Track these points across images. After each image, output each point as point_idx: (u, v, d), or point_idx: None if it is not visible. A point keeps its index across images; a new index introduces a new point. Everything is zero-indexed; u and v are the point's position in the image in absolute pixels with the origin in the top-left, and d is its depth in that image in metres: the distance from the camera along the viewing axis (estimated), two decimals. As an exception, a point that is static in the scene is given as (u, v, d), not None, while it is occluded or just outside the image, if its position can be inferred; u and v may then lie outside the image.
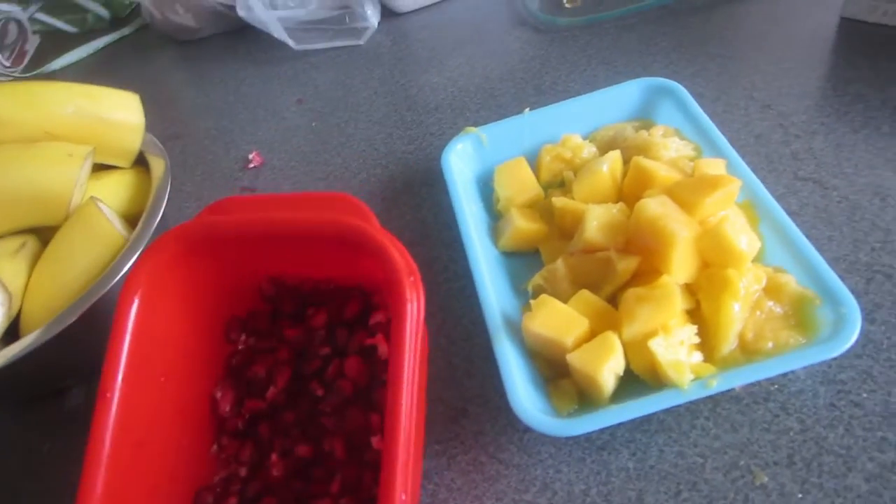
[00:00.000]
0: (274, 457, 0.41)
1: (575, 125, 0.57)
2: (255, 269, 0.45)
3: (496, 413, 0.43)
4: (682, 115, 0.54)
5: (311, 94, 0.79)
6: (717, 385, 0.37)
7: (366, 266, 0.39)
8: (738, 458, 0.39)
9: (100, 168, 0.56)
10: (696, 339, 0.40)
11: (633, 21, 0.74)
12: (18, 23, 1.02)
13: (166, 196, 0.53)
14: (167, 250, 0.39)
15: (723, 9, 0.72)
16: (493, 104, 0.68)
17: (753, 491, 0.37)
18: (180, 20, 0.95)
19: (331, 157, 0.68)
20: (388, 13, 0.88)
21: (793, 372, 0.41)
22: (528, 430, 0.42)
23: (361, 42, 0.85)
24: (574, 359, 0.39)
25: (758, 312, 0.40)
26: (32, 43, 1.04)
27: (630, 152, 0.51)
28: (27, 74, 0.98)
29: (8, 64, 0.99)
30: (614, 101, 0.58)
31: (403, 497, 0.31)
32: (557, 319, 0.41)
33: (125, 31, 1.04)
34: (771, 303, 0.40)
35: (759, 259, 0.43)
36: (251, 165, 0.70)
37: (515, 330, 0.44)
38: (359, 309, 0.44)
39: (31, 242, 0.52)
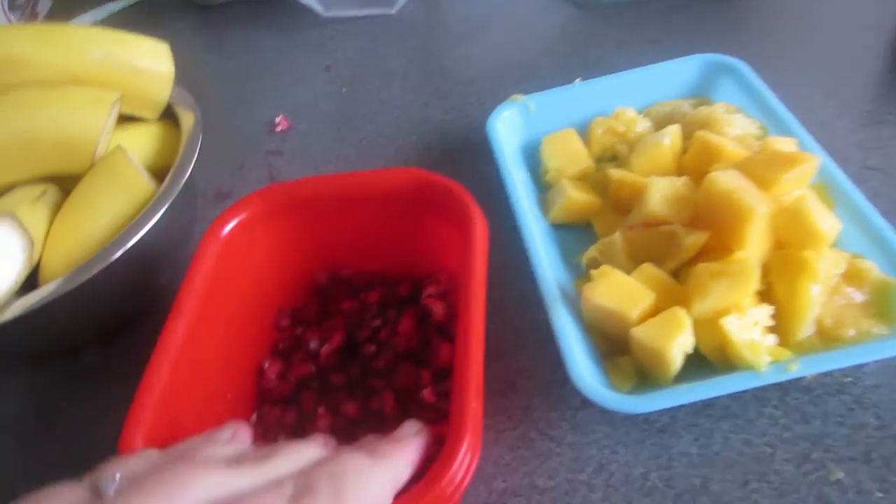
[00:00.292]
0: (321, 409, 0.39)
1: (627, 99, 0.54)
2: (322, 247, 0.45)
3: (547, 388, 0.41)
4: (745, 93, 0.51)
5: (341, 61, 0.76)
6: (798, 370, 0.35)
7: (425, 245, 0.42)
8: (810, 450, 0.36)
9: (125, 120, 0.53)
10: (771, 322, 0.37)
11: (681, 1, 0.71)
12: (31, -20, 0.98)
13: (197, 150, 0.50)
14: (252, 207, 0.42)
15: (778, -8, 0.69)
16: (534, 77, 0.65)
17: (828, 486, 0.35)
18: (202, -18, 0.91)
19: (362, 124, 0.65)
20: (421, -17, 0.85)
21: (867, 364, 0.39)
22: (581, 407, 0.40)
23: (393, 11, 0.82)
24: (640, 333, 0.37)
25: (837, 298, 0.38)
26: (45, 4, 1.01)
27: (690, 128, 0.48)
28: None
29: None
30: (670, 77, 0.55)
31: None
32: (621, 291, 0.39)
33: (142, -7, 1.00)
34: (851, 289, 0.38)
35: (835, 244, 0.40)
36: (278, 129, 0.67)
37: (569, 304, 0.41)
38: (411, 289, 0.43)
39: (52, 191, 0.48)
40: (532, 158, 0.54)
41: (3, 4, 0.88)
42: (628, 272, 0.41)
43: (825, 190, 0.43)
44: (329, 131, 0.66)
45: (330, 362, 0.41)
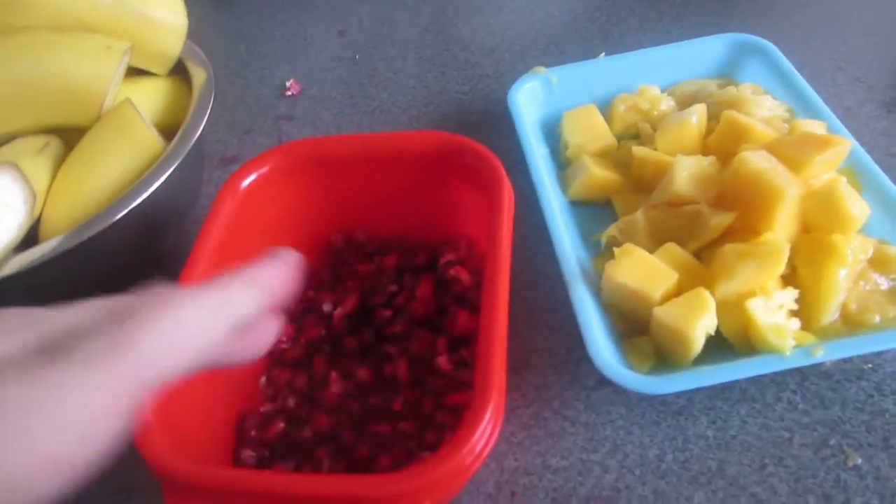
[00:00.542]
0: (333, 374, 0.38)
1: (651, 77, 0.53)
2: (340, 208, 0.44)
3: (562, 367, 0.40)
4: (773, 74, 0.50)
5: (354, 27, 0.74)
6: (823, 354, 0.34)
7: (446, 211, 0.41)
8: (828, 436, 0.36)
9: (133, 73, 0.51)
10: (795, 306, 0.36)
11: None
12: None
13: (209, 107, 0.49)
14: (273, 162, 0.41)
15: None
16: (555, 51, 0.64)
17: (846, 472, 0.34)
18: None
19: (376, 92, 0.64)
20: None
21: (887, 351, 0.38)
22: (596, 387, 0.39)
23: (410, -22, 0.79)
24: (662, 313, 0.36)
25: (862, 284, 0.37)
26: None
27: (716, 108, 0.47)
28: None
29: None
30: (696, 56, 0.54)
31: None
32: (644, 270, 0.38)
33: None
34: (877, 275, 0.37)
35: (861, 229, 0.40)
36: (288, 93, 0.66)
37: (587, 282, 0.40)
38: (429, 257, 0.42)
39: (56, 143, 0.47)
40: (551, 134, 0.53)
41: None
42: (649, 252, 0.40)
43: (853, 175, 0.42)
44: (341, 98, 0.64)
45: (342, 326, 0.40)
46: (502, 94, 0.54)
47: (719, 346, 0.37)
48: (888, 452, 0.35)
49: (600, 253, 0.44)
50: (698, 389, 0.38)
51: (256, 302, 0.23)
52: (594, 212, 0.47)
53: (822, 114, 0.45)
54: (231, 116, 0.65)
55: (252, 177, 0.41)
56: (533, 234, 0.47)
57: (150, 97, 0.51)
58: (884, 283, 0.37)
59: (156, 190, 0.42)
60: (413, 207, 0.43)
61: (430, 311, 0.39)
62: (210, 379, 0.35)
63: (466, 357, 0.38)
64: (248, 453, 0.36)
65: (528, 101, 0.53)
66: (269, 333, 0.25)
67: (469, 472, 0.27)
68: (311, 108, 0.64)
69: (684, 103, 0.50)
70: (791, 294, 0.36)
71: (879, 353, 0.38)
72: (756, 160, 0.39)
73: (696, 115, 0.45)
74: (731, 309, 0.36)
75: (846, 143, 0.39)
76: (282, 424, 0.37)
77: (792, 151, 0.39)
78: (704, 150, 0.45)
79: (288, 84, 0.66)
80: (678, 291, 0.37)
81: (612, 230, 0.43)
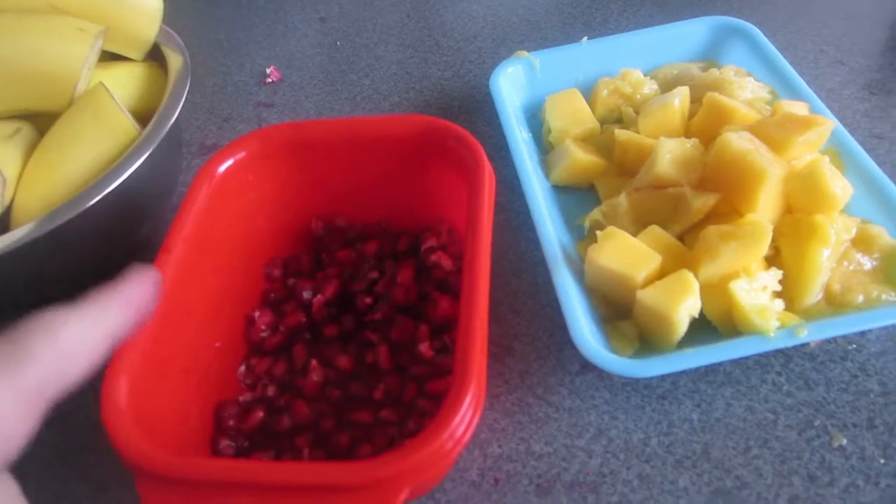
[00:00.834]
0: (314, 362, 0.37)
1: (634, 61, 0.53)
2: (319, 194, 0.43)
3: (545, 352, 0.40)
4: (755, 57, 0.50)
5: (335, 14, 0.73)
6: (806, 335, 0.34)
7: (427, 196, 0.40)
8: (813, 417, 0.35)
9: (107, 58, 0.50)
10: (779, 287, 0.36)
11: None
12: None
13: (185, 93, 0.47)
14: (250, 147, 0.40)
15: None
16: (538, 36, 0.63)
17: (831, 452, 0.34)
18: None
19: (358, 79, 0.63)
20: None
21: (871, 331, 0.38)
22: (580, 372, 0.39)
23: (391, -36, 0.78)
24: (646, 296, 0.36)
25: (846, 264, 0.37)
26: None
27: (699, 91, 0.47)
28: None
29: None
30: (678, 39, 0.54)
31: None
32: (627, 253, 0.37)
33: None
34: (860, 255, 0.37)
35: (844, 210, 0.39)
36: (268, 80, 0.65)
37: (570, 266, 0.40)
38: (410, 243, 0.42)
39: (27, 129, 0.46)
40: (534, 118, 0.52)
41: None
42: (633, 235, 0.39)
43: (836, 155, 0.42)
44: (322, 84, 0.63)
45: (322, 313, 0.40)
46: (484, 79, 0.53)
47: (703, 329, 0.37)
48: (872, 433, 0.35)
49: (583, 237, 0.43)
50: (682, 373, 0.38)
51: (127, 317, 0.25)
52: (577, 196, 0.46)
53: (805, 95, 0.45)
54: (210, 104, 0.63)
55: (228, 162, 0.40)
56: (516, 220, 0.47)
57: (125, 82, 0.49)
58: (867, 263, 0.37)
59: (131, 176, 0.41)
60: (393, 193, 0.42)
61: (412, 298, 0.39)
62: (185, 369, 0.34)
63: (448, 343, 0.37)
64: (226, 443, 0.35)
65: (511, 85, 0.52)
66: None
67: (450, 457, 0.27)
68: (291, 96, 0.63)
69: (667, 86, 0.50)
70: (775, 275, 0.36)
71: (863, 334, 0.38)
72: (738, 141, 0.38)
73: (679, 98, 0.45)
74: (715, 291, 0.36)
75: (829, 124, 0.39)
76: (261, 414, 0.36)
77: (774, 132, 0.39)
78: (687, 133, 0.45)
79: (268, 71, 0.65)
80: (662, 274, 0.37)
81: (596, 214, 0.43)
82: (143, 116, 0.47)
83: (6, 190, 0.42)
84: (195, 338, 0.36)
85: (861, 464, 0.34)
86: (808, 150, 0.39)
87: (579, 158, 0.45)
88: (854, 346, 0.38)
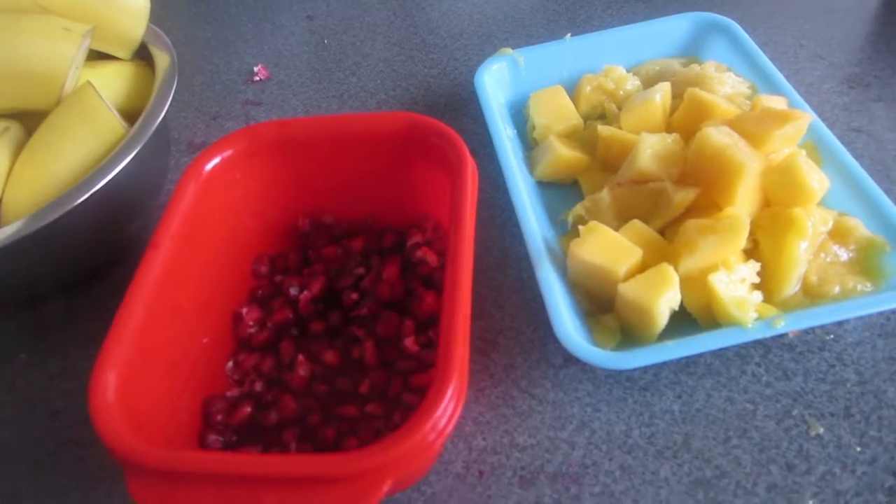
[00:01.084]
0: (301, 357, 0.38)
1: (617, 57, 0.53)
2: (306, 191, 0.44)
3: (529, 346, 0.40)
4: (736, 52, 0.51)
5: (323, 12, 0.73)
6: (783, 326, 0.34)
7: (412, 193, 0.41)
8: (791, 406, 0.36)
9: (95, 57, 0.50)
10: (757, 279, 0.37)
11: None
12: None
13: (172, 91, 0.48)
14: (237, 145, 0.40)
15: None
16: (522, 33, 0.64)
17: (808, 441, 0.35)
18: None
19: (345, 76, 0.63)
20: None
21: (848, 322, 0.39)
22: (563, 365, 0.39)
23: (378, -38, 0.79)
24: (627, 289, 0.36)
25: (822, 255, 0.38)
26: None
27: (680, 86, 0.48)
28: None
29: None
30: (660, 35, 0.54)
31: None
32: (609, 247, 0.38)
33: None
34: (837, 247, 0.38)
35: (821, 202, 0.40)
36: (256, 79, 0.65)
37: (554, 261, 0.40)
38: (396, 239, 0.42)
39: (15, 128, 0.46)
40: (518, 116, 0.53)
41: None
42: (615, 230, 0.40)
43: (813, 149, 0.42)
44: (310, 82, 0.63)
45: (309, 309, 0.40)
46: (470, 77, 0.54)
47: (684, 321, 0.37)
48: (849, 421, 0.35)
49: (567, 232, 0.44)
50: (664, 365, 0.38)
51: None
52: (561, 192, 0.47)
53: (784, 90, 0.46)
54: (198, 102, 0.64)
55: (216, 160, 0.40)
56: (500, 216, 0.47)
57: (112, 81, 0.50)
58: (843, 255, 0.38)
59: (118, 174, 0.41)
60: (379, 189, 0.43)
61: (398, 294, 0.39)
62: (173, 364, 0.35)
63: (433, 338, 0.38)
64: (213, 437, 0.36)
65: (495, 82, 0.53)
66: None
67: (433, 448, 0.27)
68: (279, 94, 0.63)
69: (649, 82, 0.50)
70: (753, 267, 0.37)
71: (841, 324, 0.39)
72: (717, 136, 0.39)
73: (660, 94, 0.45)
74: (695, 284, 0.36)
75: (806, 118, 0.39)
76: (248, 409, 0.37)
77: (753, 126, 0.40)
78: (669, 128, 0.46)
79: (256, 69, 0.66)
80: (643, 268, 0.38)
81: (579, 209, 0.43)
82: (130, 115, 0.47)
83: (-6, 189, 0.42)
84: (183, 334, 0.36)
85: (838, 452, 0.34)
86: (785, 144, 0.40)
87: (563, 154, 0.46)
88: (832, 336, 0.38)
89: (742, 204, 0.38)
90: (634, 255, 0.37)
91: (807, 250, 0.37)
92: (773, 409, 0.36)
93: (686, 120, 0.44)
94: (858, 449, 0.34)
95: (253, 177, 0.42)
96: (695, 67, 0.49)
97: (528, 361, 0.40)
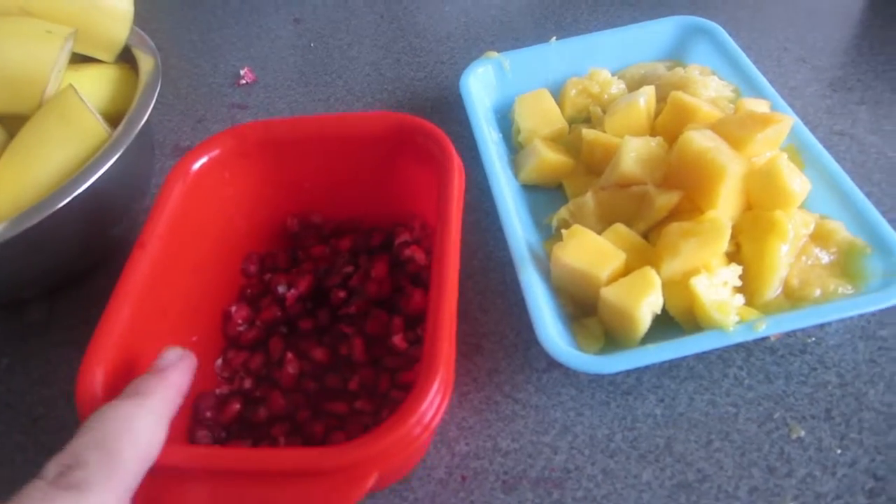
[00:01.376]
0: (289, 355, 0.38)
1: (602, 60, 0.53)
2: (294, 191, 0.44)
3: (513, 350, 0.40)
4: (720, 56, 0.51)
5: (310, 15, 0.73)
6: (765, 329, 0.34)
7: (400, 193, 0.41)
8: (773, 409, 0.36)
9: (78, 60, 0.50)
10: (739, 282, 0.37)
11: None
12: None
13: (156, 94, 0.47)
14: (225, 145, 0.41)
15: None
16: (509, 37, 0.64)
17: (789, 444, 0.35)
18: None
19: (332, 80, 0.63)
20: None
21: (829, 324, 0.39)
22: (546, 369, 0.39)
23: (366, -35, 0.79)
24: (609, 293, 0.36)
25: (804, 258, 0.38)
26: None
27: (664, 90, 0.48)
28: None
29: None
30: (645, 39, 0.54)
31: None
32: (591, 251, 0.38)
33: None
34: (818, 249, 0.38)
35: (803, 205, 0.40)
36: (242, 82, 0.65)
37: (538, 265, 0.40)
38: (384, 238, 0.42)
39: (-4, 132, 0.46)
40: (503, 120, 0.53)
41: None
42: (599, 233, 0.40)
43: (795, 152, 0.43)
44: (296, 86, 0.63)
45: (297, 308, 0.40)
46: (456, 80, 0.54)
47: (667, 325, 0.37)
48: (830, 423, 0.35)
49: (552, 236, 0.44)
50: (647, 369, 0.38)
51: (176, 401, 0.29)
52: (546, 195, 0.47)
53: (767, 93, 0.46)
54: (184, 105, 0.63)
55: (203, 160, 0.40)
56: (485, 220, 0.47)
57: (96, 84, 0.49)
58: (824, 258, 0.38)
59: (101, 177, 0.41)
60: (367, 189, 0.43)
61: (386, 291, 0.39)
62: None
63: (421, 335, 0.38)
64: (203, 433, 0.36)
65: (481, 85, 0.53)
66: None
67: (418, 442, 0.27)
68: (265, 97, 0.63)
69: (634, 86, 0.50)
70: (734, 270, 0.37)
71: (822, 327, 0.39)
72: (700, 139, 0.39)
73: (644, 97, 0.45)
74: (677, 287, 0.37)
75: (787, 121, 0.40)
76: (237, 405, 0.37)
77: (735, 130, 0.40)
78: (653, 132, 0.46)
79: (242, 73, 0.65)
80: (626, 271, 0.38)
81: (563, 213, 0.43)
82: (115, 118, 0.47)
83: (-26, 194, 0.42)
84: (171, 332, 0.36)
85: (819, 454, 0.34)
86: (767, 147, 0.40)
87: (547, 158, 0.46)
88: (813, 339, 0.39)
89: (724, 207, 0.38)
90: (617, 258, 0.37)
91: (788, 253, 0.37)
92: (755, 412, 0.36)
93: (670, 123, 0.44)
94: (839, 451, 0.34)
95: (241, 176, 0.42)
96: (679, 71, 0.49)
97: (511, 366, 0.40)
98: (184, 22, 0.76)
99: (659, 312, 0.37)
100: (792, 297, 0.37)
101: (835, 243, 0.38)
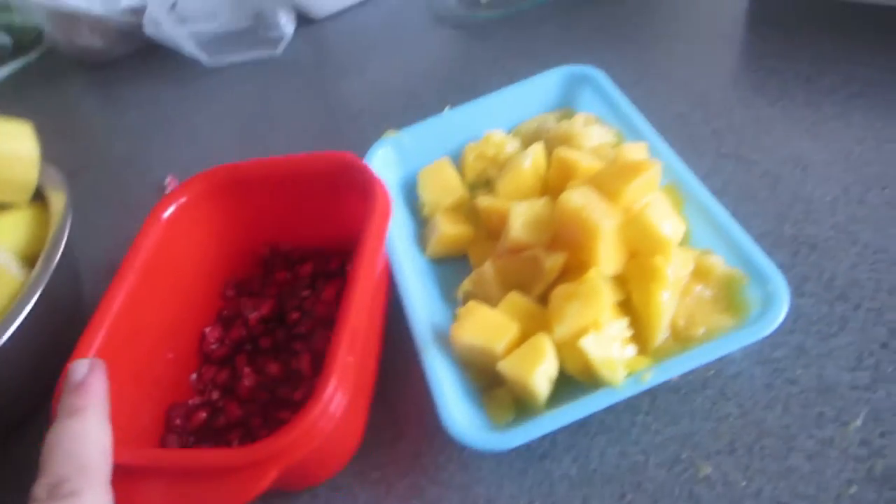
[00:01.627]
0: (246, 370, 0.45)
1: (498, 120, 0.55)
2: (262, 224, 0.51)
3: (433, 432, 0.41)
4: (602, 101, 0.53)
5: (231, 110, 0.75)
6: (651, 378, 0.36)
7: (350, 222, 0.46)
8: (679, 451, 0.37)
9: (-6, 208, 0.52)
10: (629, 333, 0.38)
11: (549, 11, 0.73)
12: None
13: (66, 231, 0.49)
14: (194, 190, 0.48)
15: (638, -8, 0.71)
16: (415, 105, 0.66)
17: (698, 484, 0.36)
18: (87, 42, 0.90)
19: (251, 174, 0.65)
20: (303, 20, 0.85)
21: (728, 355, 0.40)
22: (465, 446, 0.40)
23: (278, 52, 0.81)
24: (505, 366, 0.38)
25: (688, 298, 0.39)
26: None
27: (553, 143, 0.49)
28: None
29: None
30: (535, 93, 0.56)
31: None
32: (486, 326, 0.39)
33: (30, 57, 0.98)
34: (699, 287, 0.39)
35: (686, 242, 0.42)
36: (168, 192, 0.66)
37: (447, 341, 0.42)
38: (340, 263, 0.50)
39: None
40: (412, 193, 0.54)
41: None
42: (500, 301, 0.41)
43: (674, 190, 0.44)
44: (218, 186, 0.65)
45: (259, 328, 0.48)
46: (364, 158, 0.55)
47: (573, 385, 0.38)
48: (734, 457, 0.36)
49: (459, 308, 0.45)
50: (560, 429, 0.39)
51: (106, 401, 0.34)
52: (455, 266, 0.48)
53: (645, 134, 0.48)
54: (116, 222, 0.65)
55: (172, 207, 0.47)
56: (399, 301, 0.49)
57: (12, 230, 0.51)
58: (706, 293, 0.39)
59: (22, 324, 0.43)
60: (321, 220, 0.49)
61: (334, 312, 0.43)
62: (136, 376, 0.42)
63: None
64: (172, 438, 0.43)
65: (384, 165, 0.54)
66: None
67: (318, 436, 0.33)
68: (190, 202, 0.64)
69: (528, 142, 0.52)
70: (621, 324, 0.38)
71: (721, 358, 0.40)
72: (575, 198, 0.41)
73: (530, 158, 0.47)
74: (570, 349, 0.38)
75: (655, 167, 0.41)
76: (204, 414, 0.44)
77: (609, 182, 0.41)
78: (544, 190, 0.48)
79: (167, 182, 0.67)
80: (522, 339, 0.39)
81: (467, 284, 0.45)
82: (38, 256, 0.49)
83: None
84: (147, 351, 0.43)
85: (726, 489, 0.35)
86: (642, 194, 0.41)
87: (447, 232, 0.48)
88: (713, 371, 0.40)
89: (606, 262, 0.39)
90: (510, 331, 0.39)
91: (671, 297, 0.39)
92: (662, 457, 0.37)
93: (555, 180, 0.46)
94: (744, 483, 0.35)
95: (213, 214, 0.49)
96: (564, 123, 0.51)
97: (434, 447, 0.41)
98: (111, 135, 0.79)
99: (556, 377, 0.38)
100: (679, 339, 0.38)
101: (714, 278, 0.39)
